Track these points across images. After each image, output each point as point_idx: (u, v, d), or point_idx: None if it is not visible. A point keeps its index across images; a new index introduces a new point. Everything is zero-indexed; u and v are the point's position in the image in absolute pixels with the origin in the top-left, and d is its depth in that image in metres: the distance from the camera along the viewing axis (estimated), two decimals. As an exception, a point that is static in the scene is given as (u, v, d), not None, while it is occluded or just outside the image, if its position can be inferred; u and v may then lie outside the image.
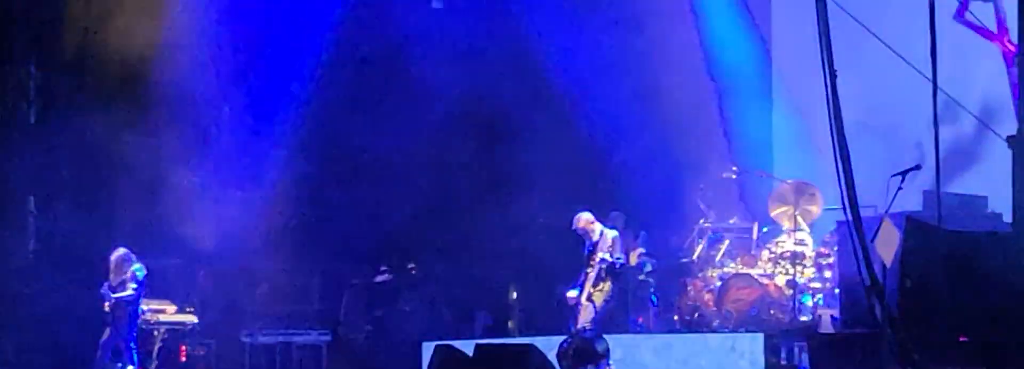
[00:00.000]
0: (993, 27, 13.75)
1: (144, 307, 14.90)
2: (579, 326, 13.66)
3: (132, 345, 14.51)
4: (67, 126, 15.77)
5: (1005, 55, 13.74)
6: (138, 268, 14.52)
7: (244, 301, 16.79)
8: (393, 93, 16.90)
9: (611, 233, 13.99)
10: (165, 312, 15.59)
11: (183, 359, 15.85)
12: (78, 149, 16.02)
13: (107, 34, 15.77)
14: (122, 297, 14.40)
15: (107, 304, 14.41)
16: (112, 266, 14.59)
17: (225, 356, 16.38)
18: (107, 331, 14.44)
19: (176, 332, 15.67)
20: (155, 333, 15.41)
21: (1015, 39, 11.03)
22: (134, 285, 14.44)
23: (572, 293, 14.06)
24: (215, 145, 16.59)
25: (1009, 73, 13.62)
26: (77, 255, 15.74)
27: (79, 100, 15.98)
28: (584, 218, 14.06)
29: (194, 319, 15.82)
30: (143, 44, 15.72)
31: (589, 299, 13.91)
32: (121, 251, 14.65)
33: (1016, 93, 11.11)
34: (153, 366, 15.17)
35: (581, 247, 14.18)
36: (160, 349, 15.43)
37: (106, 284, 14.48)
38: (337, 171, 17.10)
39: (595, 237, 13.97)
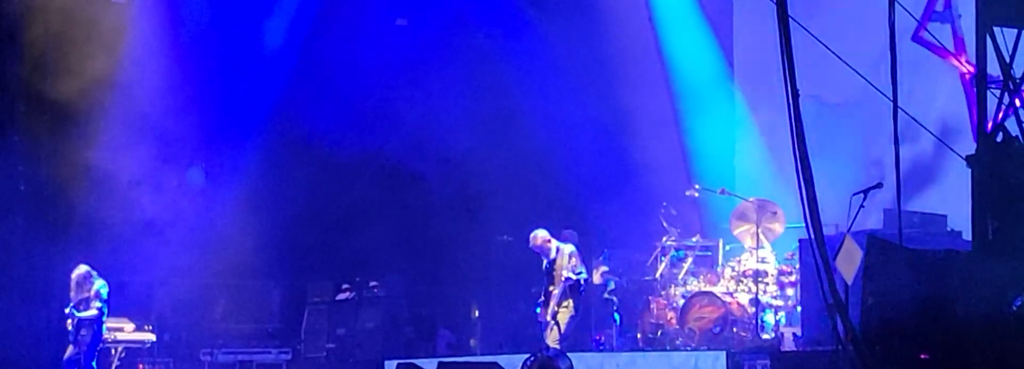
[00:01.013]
0: (951, 47, 13.87)
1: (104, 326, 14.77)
2: (550, 346, 13.62)
3: (93, 364, 14.36)
4: (25, 143, 15.67)
5: (962, 75, 13.87)
6: (101, 286, 14.38)
7: (203, 319, 16.68)
8: (356, 110, 16.88)
9: (568, 248, 13.95)
10: (123, 330, 15.46)
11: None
12: (35, 166, 15.90)
13: (65, 51, 15.70)
14: (87, 316, 14.24)
15: (71, 322, 14.27)
16: (73, 284, 14.42)
17: (184, 375, 16.27)
18: (69, 348, 14.28)
19: (134, 350, 15.53)
20: (113, 351, 15.26)
21: (973, 59, 11.18)
22: (98, 303, 14.30)
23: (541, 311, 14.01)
24: (173, 164, 16.50)
25: (967, 93, 13.74)
26: (34, 272, 15.61)
27: (37, 118, 15.88)
28: (540, 236, 14.01)
29: (152, 337, 15.69)
30: (101, 63, 15.64)
31: (554, 318, 13.86)
32: (83, 269, 14.49)
33: (974, 113, 11.21)
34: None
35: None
36: (117, 368, 15.29)
37: (70, 303, 14.33)
38: (298, 189, 17.03)
39: (552, 254, 13.94)
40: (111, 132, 16.13)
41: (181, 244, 16.21)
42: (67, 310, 14.28)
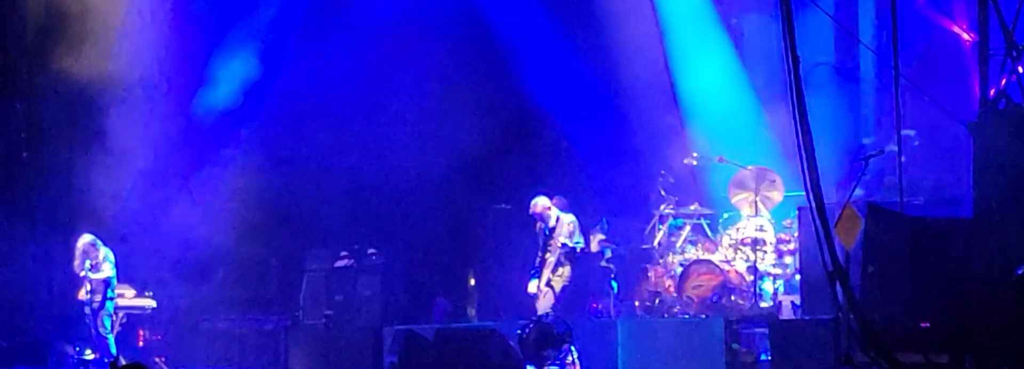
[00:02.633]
0: (951, 14, 13.82)
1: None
2: (540, 312, 13.66)
3: (107, 324, 14.48)
4: (27, 111, 15.68)
5: (963, 42, 13.83)
6: (107, 252, 14.50)
7: (203, 287, 16.67)
8: (352, 78, 16.82)
9: (568, 217, 13.98)
10: (124, 296, 15.47)
11: (140, 344, 15.73)
12: (38, 134, 15.92)
13: (67, 20, 15.69)
14: (101, 278, 14.36)
15: (85, 289, 14.34)
16: (78, 252, 14.48)
17: (183, 342, 16.28)
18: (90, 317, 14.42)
19: (135, 316, 15.55)
20: (113, 317, 15.29)
21: (974, 26, 11.15)
22: (110, 265, 14.44)
23: (532, 285, 14.01)
24: (175, 132, 16.47)
25: (968, 60, 13.70)
26: (36, 239, 15.63)
27: (40, 86, 15.92)
28: (541, 203, 14.05)
29: (153, 304, 15.71)
30: (103, 32, 15.63)
31: (548, 285, 13.90)
32: (88, 237, 14.55)
33: (976, 80, 11.18)
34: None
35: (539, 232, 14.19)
36: (118, 334, 15.31)
37: (83, 270, 14.41)
38: (295, 157, 16.99)
39: (552, 222, 13.96)
40: (113, 99, 16.09)
41: (181, 211, 16.19)
42: (82, 273, 14.36)
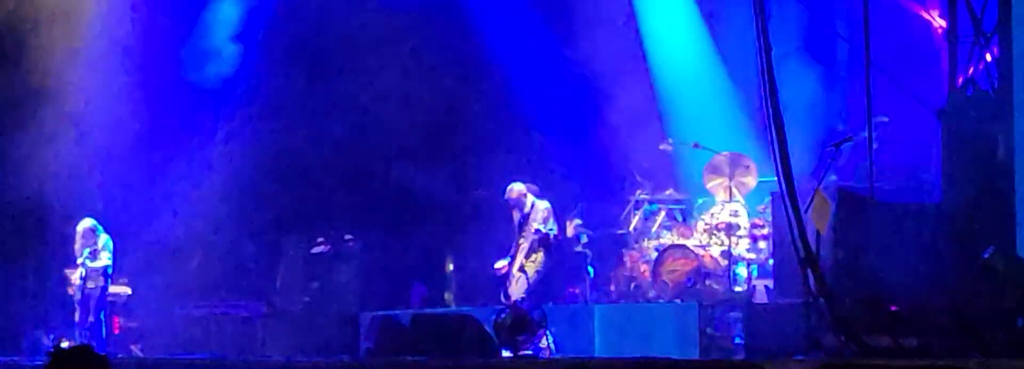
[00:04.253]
0: (922, 2, 13.90)
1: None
2: (513, 298, 13.74)
3: (102, 317, 14.48)
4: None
5: (933, 29, 13.91)
6: (107, 239, 14.49)
7: (178, 273, 16.68)
8: (326, 63, 16.82)
9: (543, 203, 14.06)
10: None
11: (116, 332, 15.75)
12: (2, 119, 15.89)
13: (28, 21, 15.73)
14: (98, 266, 14.35)
15: (80, 273, 14.33)
16: (78, 236, 14.46)
17: (159, 329, 16.29)
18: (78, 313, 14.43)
19: (110, 304, 15.55)
20: (88, 304, 15.30)
21: (944, 13, 11.25)
22: (108, 254, 14.40)
23: (500, 263, 14.11)
24: (147, 118, 16.45)
25: (938, 47, 13.79)
26: (7, 230, 15.61)
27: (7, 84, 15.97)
28: (516, 189, 14.12)
29: (128, 290, 15.72)
30: (69, 28, 15.63)
31: (521, 270, 13.98)
32: (89, 222, 14.52)
33: (945, 67, 11.28)
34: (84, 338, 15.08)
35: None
36: (93, 322, 15.31)
37: (81, 257, 14.41)
38: (271, 143, 17.00)
39: (527, 208, 14.03)
40: (82, 84, 16.05)
41: (156, 198, 16.18)
42: (80, 260, 14.34)
